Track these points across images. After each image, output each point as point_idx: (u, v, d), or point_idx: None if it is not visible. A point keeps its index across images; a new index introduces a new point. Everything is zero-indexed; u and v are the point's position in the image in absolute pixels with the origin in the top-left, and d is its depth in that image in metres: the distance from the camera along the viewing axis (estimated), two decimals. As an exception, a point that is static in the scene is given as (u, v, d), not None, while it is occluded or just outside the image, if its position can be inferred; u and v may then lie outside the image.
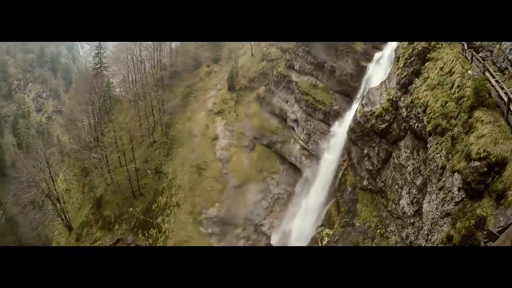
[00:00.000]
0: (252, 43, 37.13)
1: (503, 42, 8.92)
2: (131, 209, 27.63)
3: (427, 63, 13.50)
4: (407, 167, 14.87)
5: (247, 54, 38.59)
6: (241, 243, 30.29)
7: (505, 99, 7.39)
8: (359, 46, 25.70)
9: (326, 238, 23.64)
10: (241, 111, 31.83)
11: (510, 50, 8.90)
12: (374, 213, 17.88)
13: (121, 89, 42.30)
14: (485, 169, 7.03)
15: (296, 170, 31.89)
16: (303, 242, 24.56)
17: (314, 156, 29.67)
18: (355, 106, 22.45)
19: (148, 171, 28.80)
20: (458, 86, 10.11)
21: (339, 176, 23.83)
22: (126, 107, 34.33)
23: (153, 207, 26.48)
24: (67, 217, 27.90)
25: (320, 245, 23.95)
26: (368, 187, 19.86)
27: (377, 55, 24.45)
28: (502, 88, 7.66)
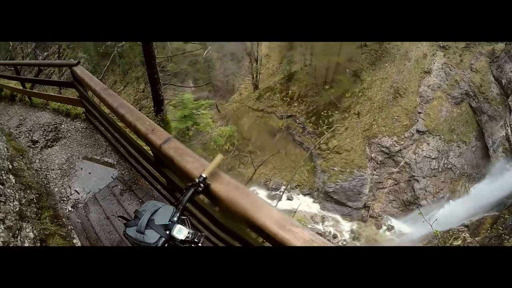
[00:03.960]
0: None
1: None
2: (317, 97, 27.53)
3: None
4: None
5: None
6: (389, 183, 27.70)
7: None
8: None
9: (460, 241, 20.49)
10: (467, 58, 27.50)
11: None
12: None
13: None
14: None
15: (485, 154, 26.47)
16: (440, 225, 20.48)
17: (513, 155, 23.13)
18: None
19: (347, 70, 27.87)
20: None
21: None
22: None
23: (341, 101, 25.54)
24: (258, 77, 29.43)
25: (449, 242, 20.68)
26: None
27: None
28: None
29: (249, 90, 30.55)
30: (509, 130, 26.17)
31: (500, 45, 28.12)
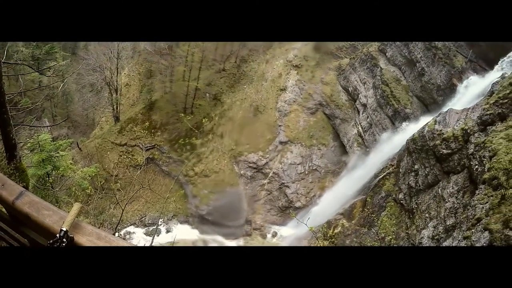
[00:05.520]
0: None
1: None
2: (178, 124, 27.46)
3: (520, 113, 12.85)
4: (446, 202, 14.74)
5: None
6: (263, 194, 29.43)
7: None
8: (460, 62, 23.56)
9: (340, 228, 23.36)
10: (318, 74, 30.52)
11: None
12: (393, 228, 17.70)
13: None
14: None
15: (344, 152, 30.28)
16: (318, 221, 23.64)
17: (366, 147, 27.72)
18: (427, 119, 20.74)
19: (207, 94, 28.37)
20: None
21: (379, 177, 23.19)
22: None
23: (201, 125, 25.93)
24: (119, 108, 28.14)
25: (330, 232, 23.42)
26: (401, 201, 19.46)
27: (473, 78, 22.48)
28: None
29: (110, 123, 29.01)
30: (360, 128, 29.95)
31: (345, 60, 32.21)
